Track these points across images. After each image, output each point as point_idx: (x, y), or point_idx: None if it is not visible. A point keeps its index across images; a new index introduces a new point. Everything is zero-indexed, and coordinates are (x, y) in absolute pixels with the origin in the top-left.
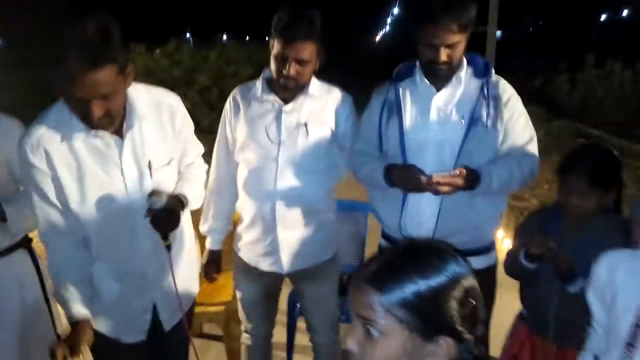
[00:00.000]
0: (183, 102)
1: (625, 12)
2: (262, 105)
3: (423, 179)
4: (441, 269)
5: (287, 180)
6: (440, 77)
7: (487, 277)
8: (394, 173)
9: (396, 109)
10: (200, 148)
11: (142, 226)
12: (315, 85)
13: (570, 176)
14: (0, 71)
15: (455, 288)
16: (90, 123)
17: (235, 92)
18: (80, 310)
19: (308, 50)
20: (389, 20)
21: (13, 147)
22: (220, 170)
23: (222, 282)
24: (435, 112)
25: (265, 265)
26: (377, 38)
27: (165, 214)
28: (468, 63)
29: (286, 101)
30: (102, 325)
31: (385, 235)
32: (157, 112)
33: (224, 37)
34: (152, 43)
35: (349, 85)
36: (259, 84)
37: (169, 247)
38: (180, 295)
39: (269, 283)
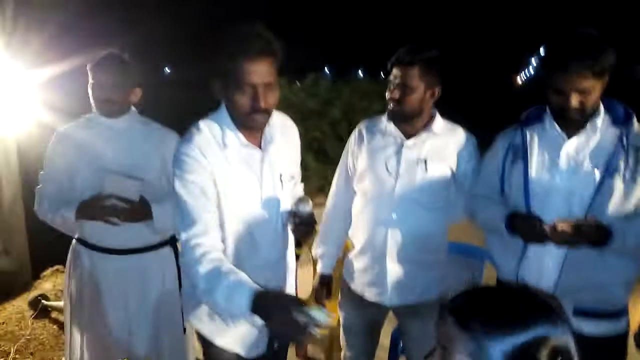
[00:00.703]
0: (315, 133)
1: None
2: (385, 138)
3: (545, 227)
4: (532, 324)
5: (402, 213)
6: (571, 123)
7: (611, 345)
8: (515, 221)
9: (522, 153)
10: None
11: (272, 235)
12: (439, 122)
13: None
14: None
15: (543, 345)
16: (256, 109)
17: (362, 125)
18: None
19: (413, 76)
20: (533, 60)
21: (169, 154)
22: (338, 198)
23: (329, 307)
24: (565, 160)
25: (370, 295)
26: (520, 78)
27: (310, 221)
28: (606, 110)
29: (409, 136)
30: (224, 340)
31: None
32: (286, 132)
33: (360, 72)
34: (293, 77)
35: (482, 124)
36: (384, 117)
37: (297, 257)
38: None
39: (373, 314)
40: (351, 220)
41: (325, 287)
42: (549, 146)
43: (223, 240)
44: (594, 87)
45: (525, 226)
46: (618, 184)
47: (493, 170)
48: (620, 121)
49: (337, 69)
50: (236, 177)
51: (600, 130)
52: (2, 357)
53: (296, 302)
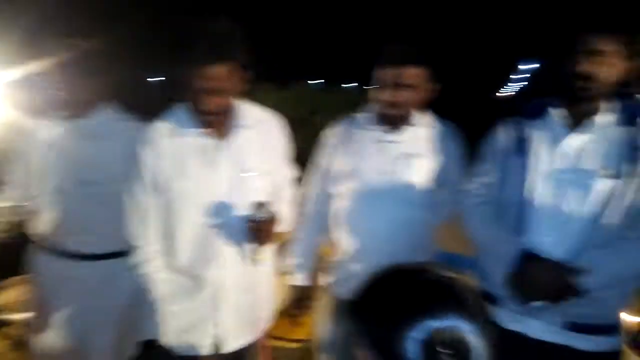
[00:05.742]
0: (302, 139)
1: None
2: (366, 136)
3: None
4: (422, 316)
5: (392, 212)
6: (580, 100)
7: None
8: (531, 263)
9: (522, 148)
10: (293, 173)
11: (230, 230)
12: (422, 116)
13: None
14: None
15: (439, 337)
16: (202, 114)
17: (338, 124)
18: None
19: (414, 75)
20: (514, 76)
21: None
22: (315, 203)
23: (302, 319)
24: (564, 159)
25: None
26: (501, 94)
27: (266, 227)
28: (618, 109)
29: (393, 132)
30: (166, 335)
31: (486, 294)
32: (261, 125)
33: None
34: (284, 83)
35: (469, 137)
36: (363, 115)
37: (259, 261)
38: (255, 317)
39: None
40: (325, 224)
41: (306, 299)
42: (551, 142)
43: (177, 233)
44: (614, 56)
45: (547, 276)
46: (622, 187)
47: (491, 165)
48: (627, 121)
49: (327, 79)
50: (192, 167)
51: (605, 127)
52: None
53: None
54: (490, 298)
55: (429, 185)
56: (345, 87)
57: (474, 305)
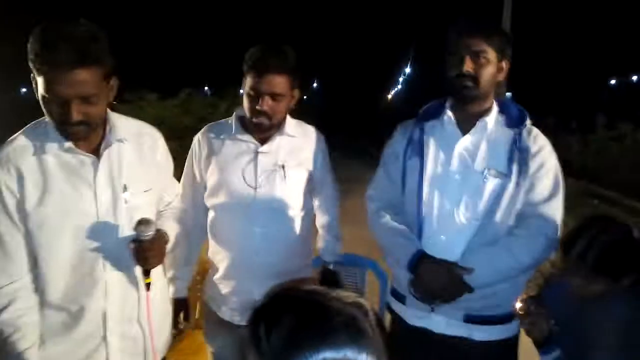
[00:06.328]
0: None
1: (635, 77)
2: (237, 146)
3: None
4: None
5: (265, 226)
6: (468, 100)
7: (504, 350)
8: (424, 267)
9: (418, 150)
10: (178, 188)
11: (111, 254)
12: (291, 124)
13: (571, 258)
14: None
15: None
16: (68, 126)
17: (206, 130)
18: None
19: (282, 84)
20: (401, 79)
21: None
22: (188, 214)
23: (201, 340)
24: (457, 160)
25: (241, 319)
26: (390, 96)
27: (153, 246)
28: (500, 110)
29: (262, 142)
30: None
31: (394, 293)
32: (138, 139)
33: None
34: (166, 93)
35: (359, 140)
36: (232, 122)
37: (148, 285)
38: (147, 348)
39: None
40: (201, 235)
41: (183, 311)
42: (444, 144)
43: (48, 263)
44: (489, 55)
45: (437, 276)
46: (507, 186)
47: (394, 166)
48: (514, 123)
49: (215, 86)
50: (59, 189)
51: (492, 128)
52: None
53: None
54: (397, 296)
55: (300, 192)
56: (239, 93)
57: (373, 336)
